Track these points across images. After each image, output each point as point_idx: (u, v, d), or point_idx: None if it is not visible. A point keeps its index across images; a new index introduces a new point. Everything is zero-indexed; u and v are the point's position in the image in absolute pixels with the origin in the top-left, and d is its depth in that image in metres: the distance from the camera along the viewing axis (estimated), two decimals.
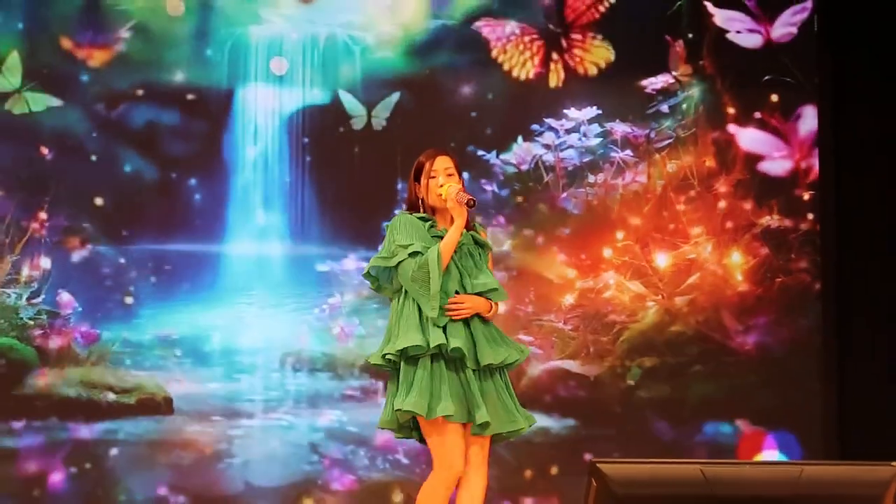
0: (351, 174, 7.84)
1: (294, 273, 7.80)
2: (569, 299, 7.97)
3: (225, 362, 7.69)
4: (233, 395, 7.71)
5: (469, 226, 5.10)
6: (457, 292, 4.99)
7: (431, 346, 4.86)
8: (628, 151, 8.03)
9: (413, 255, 4.95)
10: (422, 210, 5.12)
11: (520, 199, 7.97)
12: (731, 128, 8.12)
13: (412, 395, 4.85)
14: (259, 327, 7.73)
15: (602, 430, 7.89)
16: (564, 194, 7.98)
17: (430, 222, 5.09)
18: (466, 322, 4.97)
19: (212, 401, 7.69)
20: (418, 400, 4.83)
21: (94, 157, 7.72)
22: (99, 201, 7.71)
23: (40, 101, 7.69)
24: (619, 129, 8.02)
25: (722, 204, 8.05)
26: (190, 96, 7.79)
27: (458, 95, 7.95)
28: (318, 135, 7.90)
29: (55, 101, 7.71)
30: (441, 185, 5.04)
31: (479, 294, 5.02)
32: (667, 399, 7.93)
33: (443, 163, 5.09)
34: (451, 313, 4.94)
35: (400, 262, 4.97)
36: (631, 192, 8.03)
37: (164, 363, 7.63)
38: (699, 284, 8.00)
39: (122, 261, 7.69)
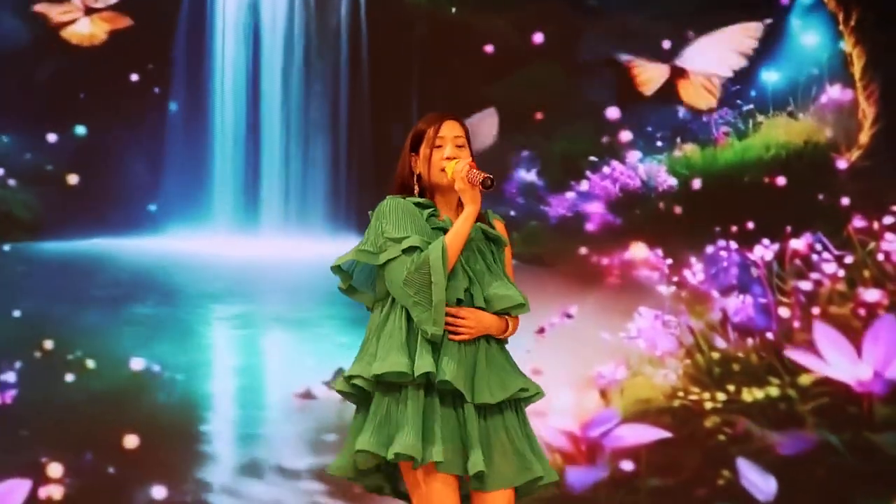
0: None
1: None
2: None
3: None
4: None
5: (478, 215, 4.21)
6: (459, 303, 4.10)
7: (417, 374, 4.00)
8: None
9: (409, 251, 4.07)
10: (416, 192, 4.21)
11: None
12: None
13: (404, 433, 3.99)
14: None
15: None
16: None
17: (429, 209, 4.21)
18: (471, 342, 4.10)
19: None
20: (413, 441, 3.98)
21: None
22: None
23: None
24: None
25: None
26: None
27: None
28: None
29: None
30: (448, 158, 4.15)
31: (497, 310, 4.13)
32: None
33: (451, 129, 4.21)
34: (448, 329, 4.07)
35: (389, 261, 4.08)
36: None
37: None
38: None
39: None
